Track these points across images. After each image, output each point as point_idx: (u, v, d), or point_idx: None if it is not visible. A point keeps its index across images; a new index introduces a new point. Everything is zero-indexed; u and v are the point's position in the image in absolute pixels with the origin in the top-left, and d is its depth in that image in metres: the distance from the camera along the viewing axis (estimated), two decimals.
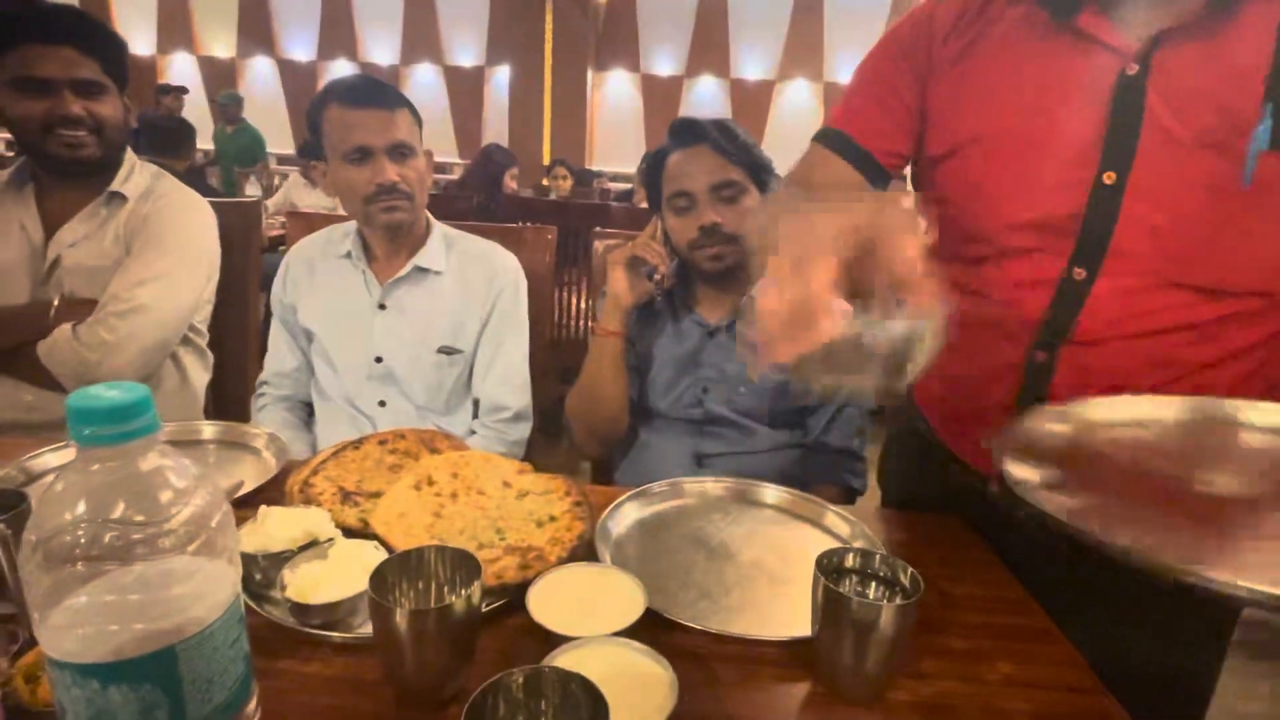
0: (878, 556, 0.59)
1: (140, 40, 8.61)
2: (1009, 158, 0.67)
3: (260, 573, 0.65)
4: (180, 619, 0.33)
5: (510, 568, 0.66)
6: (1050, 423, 0.56)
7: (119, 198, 1.23)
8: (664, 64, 8.29)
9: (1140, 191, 0.63)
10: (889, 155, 0.76)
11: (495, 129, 7.81)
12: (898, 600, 0.56)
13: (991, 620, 0.67)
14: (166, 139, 3.43)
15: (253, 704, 0.38)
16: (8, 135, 1.19)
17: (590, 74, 7.96)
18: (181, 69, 8.70)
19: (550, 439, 1.17)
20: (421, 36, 8.38)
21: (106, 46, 1.18)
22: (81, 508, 0.31)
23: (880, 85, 0.76)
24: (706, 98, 8.25)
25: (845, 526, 0.80)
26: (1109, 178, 0.63)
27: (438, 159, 1.32)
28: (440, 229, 1.28)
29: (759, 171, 1.12)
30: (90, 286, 1.17)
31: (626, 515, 0.82)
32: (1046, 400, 0.70)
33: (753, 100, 8.16)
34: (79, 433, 0.31)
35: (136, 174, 1.27)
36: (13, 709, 0.45)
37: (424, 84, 8.42)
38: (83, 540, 0.31)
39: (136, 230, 1.21)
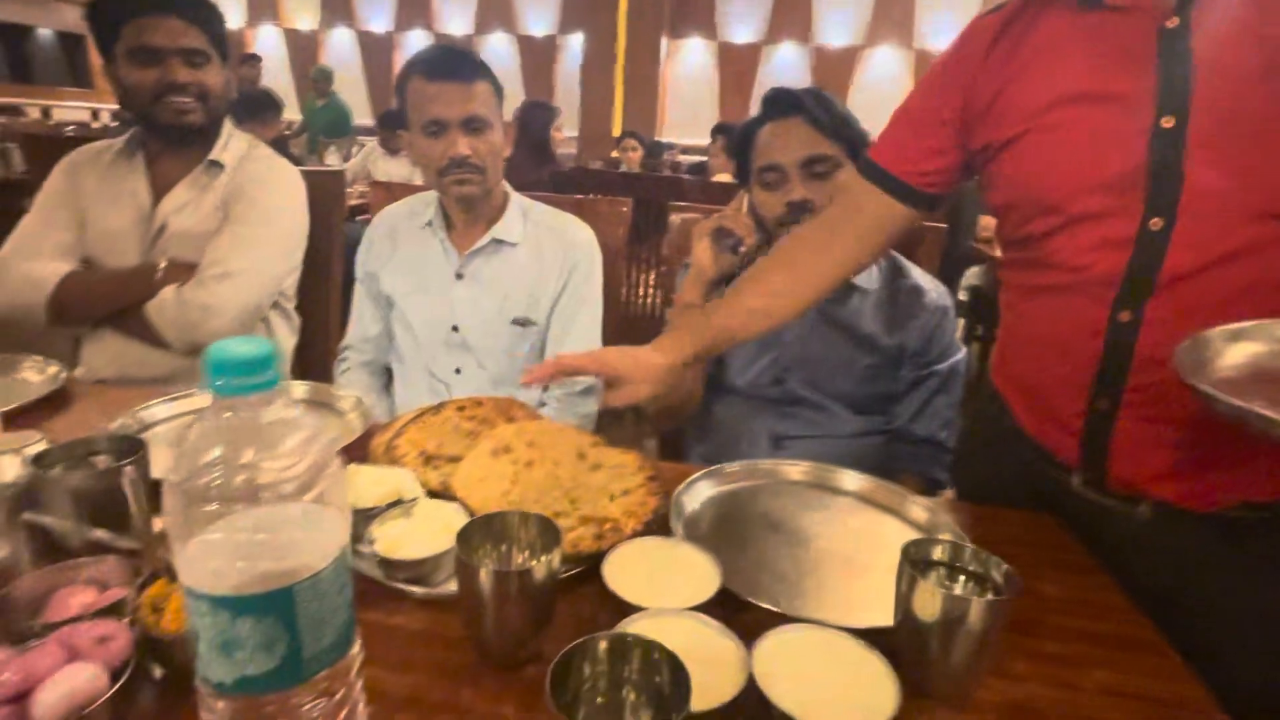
0: (968, 550, 0.58)
1: (231, 13, 9.08)
2: (1070, 128, 0.71)
3: (350, 527, 0.69)
4: (298, 561, 0.36)
5: (586, 537, 0.68)
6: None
7: (217, 166, 1.32)
8: (742, 30, 8.09)
9: (1204, 130, 0.65)
10: (919, 175, 0.84)
11: (566, 99, 7.84)
12: (988, 596, 0.55)
13: (1090, 626, 0.65)
14: (254, 108, 3.62)
15: (356, 647, 0.42)
16: (113, 107, 1.28)
17: (665, 42, 7.87)
18: (267, 41, 9.12)
19: (616, 415, 1.19)
20: (496, 5, 8.47)
21: (209, 18, 1.26)
22: (216, 452, 0.34)
23: (911, 111, 0.85)
24: (786, 66, 8.01)
25: (928, 518, 0.79)
26: (1167, 122, 0.66)
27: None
28: (518, 200, 1.31)
29: (856, 146, 1.09)
30: (192, 251, 1.26)
31: (700, 493, 0.83)
32: (1130, 364, 0.71)
33: (836, 68, 7.87)
34: (213, 382, 0.34)
35: (233, 143, 1.35)
36: (140, 636, 0.51)
37: (497, 53, 8.53)
38: (217, 482, 0.34)
39: (233, 198, 1.30)
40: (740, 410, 1.16)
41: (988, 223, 3.24)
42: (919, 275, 1.15)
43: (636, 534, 0.69)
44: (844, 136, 1.08)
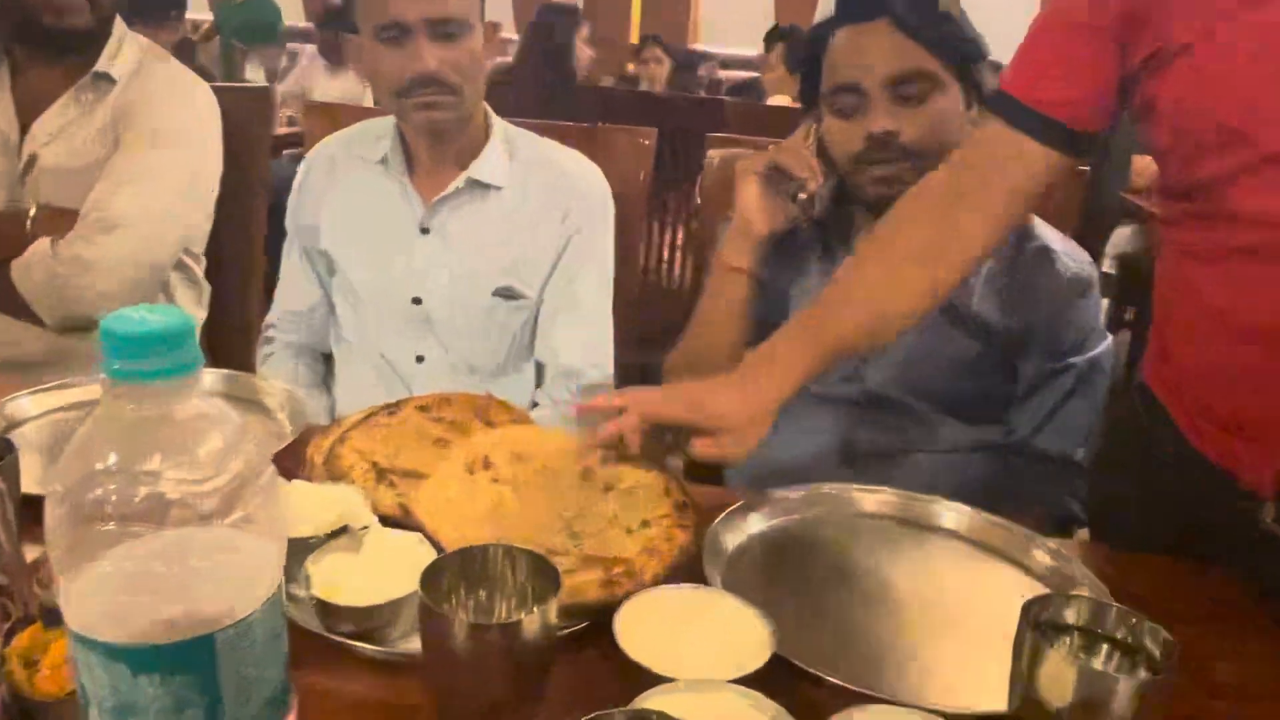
0: (1113, 611, 0.58)
1: None
2: (1263, 33, 0.70)
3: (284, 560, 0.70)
4: (221, 602, 0.37)
5: (590, 584, 0.69)
6: None
7: (105, 80, 1.34)
8: None
9: None
10: (1068, 106, 0.83)
11: None
12: (1140, 673, 0.55)
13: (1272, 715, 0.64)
14: (149, 4, 3.65)
15: (293, 715, 0.43)
16: None
17: None
18: None
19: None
20: None
21: None
22: (112, 456, 0.35)
23: (1052, 23, 0.86)
24: None
25: (1056, 566, 0.79)
26: None
27: None
28: (502, 128, 1.32)
29: (964, 58, 1.08)
30: (72, 193, 1.28)
31: (746, 527, 0.83)
32: None
33: None
34: (110, 365, 0.35)
35: (127, 50, 1.37)
36: (8, 697, 0.52)
37: None
38: (114, 496, 0.35)
39: (124, 122, 1.32)
40: (800, 415, 1.14)
41: (1144, 166, 3.19)
42: (1050, 235, 1.14)
43: (659, 580, 0.69)
44: (948, 46, 1.07)
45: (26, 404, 0.99)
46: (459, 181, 1.27)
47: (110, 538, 0.35)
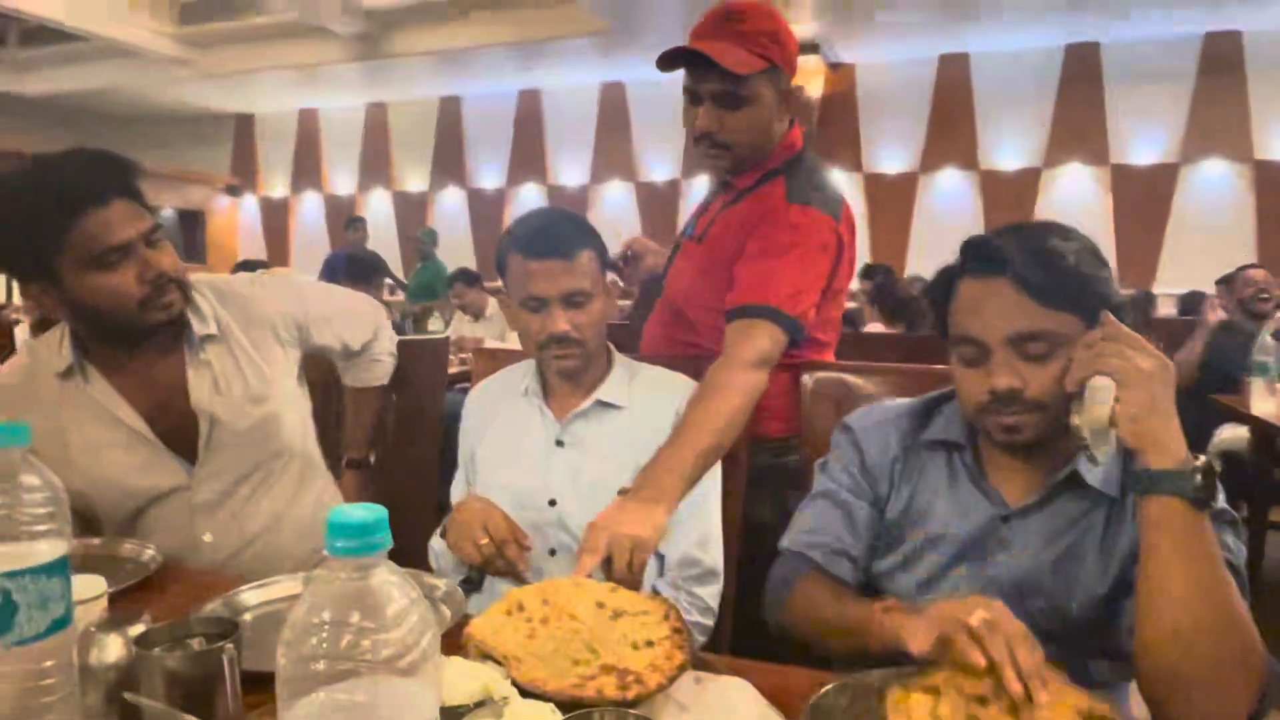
0: None
1: (342, 181, 11.04)
2: None
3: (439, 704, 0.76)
4: None
5: (609, 686, 0.79)
6: None
7: None
8: (892, 160, 8.56)
9: None
10: None
11: None
12: None
13: None
14: (361, 269, 4.44)
15: None
16: None
17: None
18: (378, 204, 10.80)
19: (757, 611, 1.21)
20: (614, 156, 9.55)
21: None
22: (326, 613, 0.44)
23: None
24: (948, 194, 8.27)
25: None
26: None
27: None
28: (623, 361, 1.47)
29: (1094, 310, 0.93)
30: None
31: None
32: None
33: (1014, 196, 8.02)
34: (333, 544, 0.45)
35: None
36: None
37: (615, 202, 9.49)
38: (325, 643, 0.43)
39: None
40: None
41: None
42: None
43: (661, 688, 0.78)
44: (1073, 302, 0.94)
45: (249, 596, 1.12)
46: (588, 403, 1.40)
47: (320, 675, 0.43)
